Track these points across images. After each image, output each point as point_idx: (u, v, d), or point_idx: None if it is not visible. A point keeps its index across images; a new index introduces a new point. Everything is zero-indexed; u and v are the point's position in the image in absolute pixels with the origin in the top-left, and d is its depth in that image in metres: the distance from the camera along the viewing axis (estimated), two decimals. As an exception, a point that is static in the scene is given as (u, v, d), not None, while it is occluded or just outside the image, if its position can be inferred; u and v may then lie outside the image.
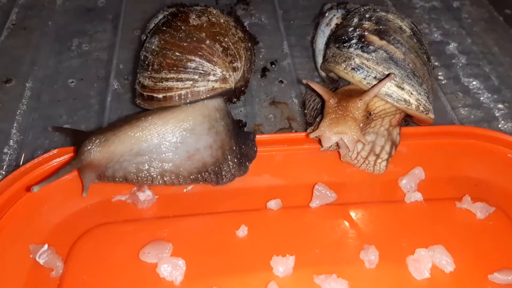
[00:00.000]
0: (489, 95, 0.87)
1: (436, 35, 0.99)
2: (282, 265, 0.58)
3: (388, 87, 0.65)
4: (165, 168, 0.64)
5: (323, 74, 0.78)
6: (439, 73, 0.91)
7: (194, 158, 0.65)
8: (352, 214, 0.65)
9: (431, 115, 0.68)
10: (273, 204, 0.65)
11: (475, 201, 0.66)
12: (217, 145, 0.66)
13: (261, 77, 0.85)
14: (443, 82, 0.89)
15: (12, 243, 0.60)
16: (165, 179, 0.64)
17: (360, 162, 0.69)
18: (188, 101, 0.64)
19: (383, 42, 0.67)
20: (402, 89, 0.65)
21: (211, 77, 0.64)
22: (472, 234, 0.63)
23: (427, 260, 0.59)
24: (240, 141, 0.69)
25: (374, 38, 0.67)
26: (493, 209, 0.65)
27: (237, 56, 0.67)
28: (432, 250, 0.60)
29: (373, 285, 0.58)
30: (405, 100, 0.66)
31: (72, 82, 0.83)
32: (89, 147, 0.61)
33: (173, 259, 0.57)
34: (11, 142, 0.73)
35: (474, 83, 0.90)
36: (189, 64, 0.64)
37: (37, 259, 0.57)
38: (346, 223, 0.64)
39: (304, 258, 0.59)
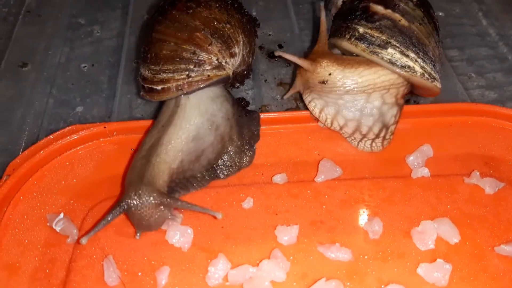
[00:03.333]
0: (504, 76, 0.92)
1: (451, 16, 1.04)
2: (286, 234, 0.64)
3: (392, 54, 0.70)
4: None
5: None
6: (453, 55, 0.96)
7: (201, 159, 0.70)
8: (357, 188, 0.70)
9: (438, 84, 0.72)
10: (279, 178, 0.71)
11: (484, 176, 0.71)
12: (217, 141, 0.71)
13: (269, 60, 0.92)
14: (456, 63, 0.94)
15: (31, 212, 0.67)
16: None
17: (351, 139, 0.75)
18: (185, 92, 0.68)
19: (388, 11, 0.71)
20: (407, 56, 0.69)
21: (207, 66, 0.68)
22: (480, 208, 0.69)
23: (432, 232, 0.65)
24: (242, 125, 0.74)
25: (379, 8, 0.71)
26: (503, 185, 0.71)
27: (234, 41, 0.72)
28: (437, 222, 0.66)
29: (376, 254, 0.63)
30: (409, 67, 0.70)
31: (85, 66, 0.92)
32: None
33: (181, 227, 0.64)
34: (27, 126, 0.82)
35: (488, 65, 0.95)
36: (184, 54, 0.68)
37: (53, 226, 0.65)
38: (351, 197, 0.69)
39: (308, 229, 0.66)
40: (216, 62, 0.69)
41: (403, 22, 0.71)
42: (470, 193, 0.70)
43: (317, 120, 0.76)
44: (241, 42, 0.73)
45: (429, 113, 0.79)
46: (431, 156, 0.74)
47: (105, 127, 0.74)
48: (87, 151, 0.74)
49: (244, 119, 0.75)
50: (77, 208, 0.68)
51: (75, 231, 0.65)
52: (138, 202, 0.61)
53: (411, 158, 0.74)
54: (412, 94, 0.80)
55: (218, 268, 0.60)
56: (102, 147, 0.75)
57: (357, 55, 0.73)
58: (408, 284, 0.60)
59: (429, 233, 0.65)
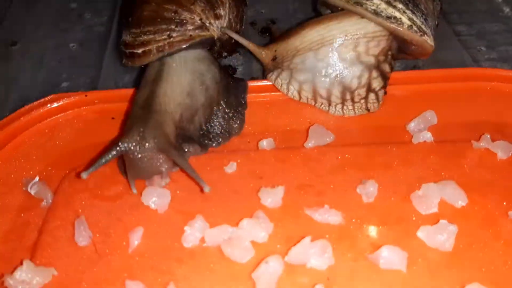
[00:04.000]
0: (517, 48, 0.88)
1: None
2: (270, 196, 0.60)
3: (377, 5, 0.66)
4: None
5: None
6: (462, 29, 0.92)
7: (195, 120, 0.67)
8: (351, 154, 0.66)
9: (428, 39, 0.68)
10: (265, 143, 0.68)
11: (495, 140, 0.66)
12: (207, 103, 0.69)
13: (261, 36, 0.91)
14: (464, 37, 0.91)
15: (7, 177, 0.66)
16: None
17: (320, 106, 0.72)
18: (165, 53, 0.66)
19: None
20: (394, 6, 0.66)
21: (189, 26, 0.67)
22: (491, 174, 0.63)
23: (435, 194, 0.60)
24: (229, 91, 0.72)
25: None
26: (517, 148, 0.65)
27: (219, 2, 0.70)
28: (441, 185, 0.60)
29: (370, 218, 0.59)
30: (395, 18, 0.66)
31: (73, 46, 0.92)
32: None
33: (160, 189, 0.61)
34: (12, 101, 0.81)
35: (500, 38, 0.91)
36: (165, 14, 0.66)
37: (29, 190, 0.64)
38: (344, 162, 0.65)
39: (294, 193, 0.62)
40: (199, 22, 0.67)
41: None
42: (479, 158, 0.65)
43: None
44: (227, 4, 0.71)
45: (433, 79, 0.75)
46: (434, 123, 0.70)
47: (86, 96, 0.73)
48: (67, 119, 0.73)
49: (232, 86, 0.72)
50: (54, 174, 0.66)
51: (49, 194, 0.63)
52: (140, 144, 0.59)
53: (412, 124, 0.69)
54: (404, 58, 0.76)
55: (195, 228, 0.57)
56: (83, 116, 0.73)
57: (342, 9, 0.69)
58: (407, 249, 0.55)
59: (432, 196, 0.59)
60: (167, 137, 0.60)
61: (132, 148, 0.58)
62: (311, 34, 0.70)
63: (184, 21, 0.67)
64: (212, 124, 0.68)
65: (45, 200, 0.63)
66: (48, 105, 0.72)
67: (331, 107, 0.71)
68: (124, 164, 0.61)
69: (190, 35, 0.67)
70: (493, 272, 0.53)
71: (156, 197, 0.61)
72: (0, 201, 0.63)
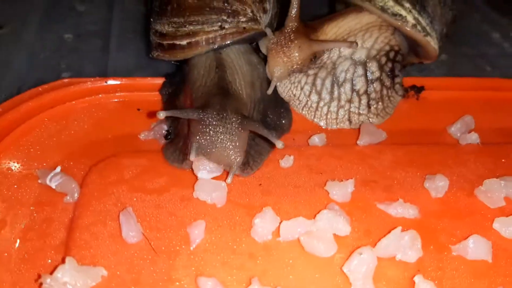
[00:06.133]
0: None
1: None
2: (340, 190, 0.59)
3: (385, 2, 0.69)
4: None
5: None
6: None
7: (253, 114, 0.64)
8: (405, 152, 0.67)
9: (431, 41, 0.71)
10: (317, 140, 0.67)
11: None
12: (261, 97, 0.66)
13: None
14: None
15: (15, 166, 0.59)
16: None
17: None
18: (216, 45, 0.64)
19: None
20: (401, 5, 0.69)
21: (242, 18, 0.65)
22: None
23: (499, 190, 0.61)
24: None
25: None
26: None
27: None
28: (504, 180, 0.62)
29: (442, 212, 0.59)
30: (401, 16, 0.69)
31: (69, 38, 0.86)
32: None
33: (213, 181, 0.57)
34: (5, 88, 0.75)
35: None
36: (215, 3, 0.64)
37: (48, 183, 0.56)
38: (401, 159, 0.66)
39: (360, 188, 0.61)
40: (250, 14, 0.65)
41: None
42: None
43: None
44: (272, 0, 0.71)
45: (467, 86, 0.80)
46: (472, 128, 0.74)
47: (106, 82, 0.68)
48: (83, 107, 0.67)
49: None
50: (73, 166, 0.60)
51: (76, 187, 0.56)
52: (220, 114, 0.56)
53: (453, 128, 0.73)
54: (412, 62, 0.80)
55: (266, 221, 0.53)
56: (102, 104, 0.68)
57: (354, 5, 0.72)
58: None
59: (496, 190, 0.61)
60: (243, 113, 0.58)
61: (212, 117, 0.56)
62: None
63: (236, 12, 0.64)
64: (266, 120, 0.66)
65: (69, 194, 0.56)
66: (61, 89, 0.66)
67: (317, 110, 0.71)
68: (181, 149, 0.57)
69: (244, 28, 0.64)
70: None
71: (213, 190, 0.56)
72: (11, 195, 0.56)
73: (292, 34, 0.66)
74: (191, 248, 0.52)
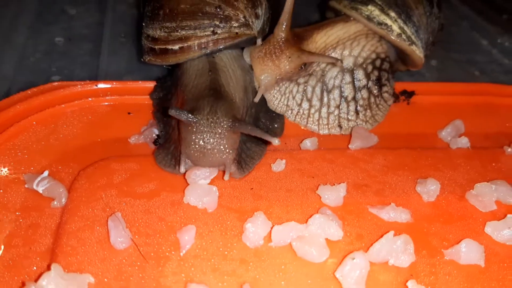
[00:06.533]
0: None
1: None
2: (332, 193, 0.58)
3: (371, 11, 0.70)
4: None
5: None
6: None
7: (246, 119, 0.64)
8: (396, 156, 0.67)
9: (417, 50, 0.72)
10: (309, 144, 0.66)
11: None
12: (253, 103, 0.67)
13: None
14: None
15: (9, 172, 0.58)
16: None
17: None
18: (209, 50, 0.63)
19: None
20: (387, 14, 0.70)
21: (234, 23, 0.64)
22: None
23: (490, 193, 0.61)
24: None
25: None
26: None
27: (259, 2, 0.69)
28: (495, 184, 0.62)
29: (434, 215, 0.59)
30: (386, 25, 0.70)
31: (60, 41, 0.86)
32: None
33: (205, 186, 0.57)
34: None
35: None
36: (207, 8, 0.64)
37: (35, 187, 0.55)
38: (392, 164, 0.66)
39: (352, 192, 0.60)
40: (243, 19, 0.65)
41: None
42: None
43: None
44: (264, 5, 0.70)
45: (457, 91, 0.81)
46: (462, 132, 0.74)
47: (96, 85, 0.67)
48: (73, 110, 0.66)
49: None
50: (62, 171, 0.59)
51: (64, 192, 0.55)
52: (210, 117, 0.55)
53: (443, 133, 0.73)
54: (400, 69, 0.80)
55: (258, 226, 0.52)
56: (92, 108, 0.67)
57: (343, 14, 0.73)
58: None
59: (487, 194, 0.61)
60: (235, 116, 0.57)
61: (202, 123, 0.55)
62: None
63: (229, 17, 0.64)
64: (258, 124, 0.66)
65: (56, 199, 0.55)
66: (49, 93, 0.65)
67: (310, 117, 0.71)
68: (173, 154, 0.57)
69: (236, 33, 0.64)
70: None
71: (204, 195, 0.56)
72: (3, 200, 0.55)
73: (283, 44, 0.66)
74: (181, 254, 0.51)
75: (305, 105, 0.69)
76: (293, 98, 0.69)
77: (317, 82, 0.69)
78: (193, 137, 0.55)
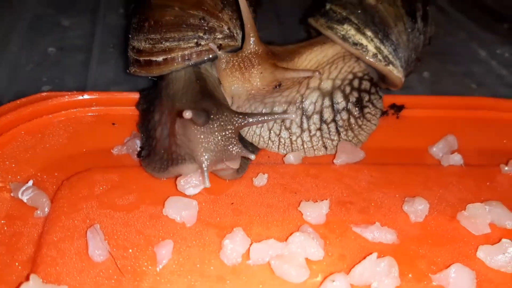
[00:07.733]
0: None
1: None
2: (314, 211, 0.57)
3: (347, 30, 0.69)
4: None
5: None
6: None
7: None
8: (383, 173, 0.66)
9: (394, 70, 0.71)
10: (292, 158, 0.66)
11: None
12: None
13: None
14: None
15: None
16: None
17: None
18: (192, 62, 0.64)
19: None
20: (363, 33, 0.69)
21: (218, 34, 0.65)
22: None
23: (484, 215, 0.59)
24: None
25: None
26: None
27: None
28: (489, 206, 0.60)
29: (423, 237, 0.57)
30: (361, 45, 0.69)
31: (52, 50, 0.87)
32: None
33: (185, 199, 0.57)
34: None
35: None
36: (191, 20, 0.64)
37: (19, 196, 0.56)
38: (379, 180, 0.65)
39: (336, 209, 0.60)
40: (227, 31, 0.65)
41: (371, 0, 0.71)
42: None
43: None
44: None
45: (450, 105, 0.79)
46: (455, 149, 0.72)
47: (82, 96, 0.68)
48: (60, 120, 0.67)
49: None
50: (47, 180, 0.60)
51: (46, 202, 0.56)
52: (220, 117, 0.58)
53: (434, 149, 0.71)
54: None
55: (236, 243, 0.52)
56: (78, 118, 0.68)
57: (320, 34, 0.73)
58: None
59: (481, 216, 0.59)
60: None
61: (217, 121, 0.57)
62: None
63: (213, 29, 0.64)
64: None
65: (39, 209, 0.56)
66: (38, 103, 0.66)
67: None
68: (162, 161, 0.58)
69: (220, 44, 0.65)
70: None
71: (183, 208, 0.55)
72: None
73: (253, 58, 0.65)
74: (157, 269, 0.51)
75: (285, 134, 0.67)
76: (270, 130, 0.67)
77: (296, 110, 0.67)
78: (212, 138, 0.57)
